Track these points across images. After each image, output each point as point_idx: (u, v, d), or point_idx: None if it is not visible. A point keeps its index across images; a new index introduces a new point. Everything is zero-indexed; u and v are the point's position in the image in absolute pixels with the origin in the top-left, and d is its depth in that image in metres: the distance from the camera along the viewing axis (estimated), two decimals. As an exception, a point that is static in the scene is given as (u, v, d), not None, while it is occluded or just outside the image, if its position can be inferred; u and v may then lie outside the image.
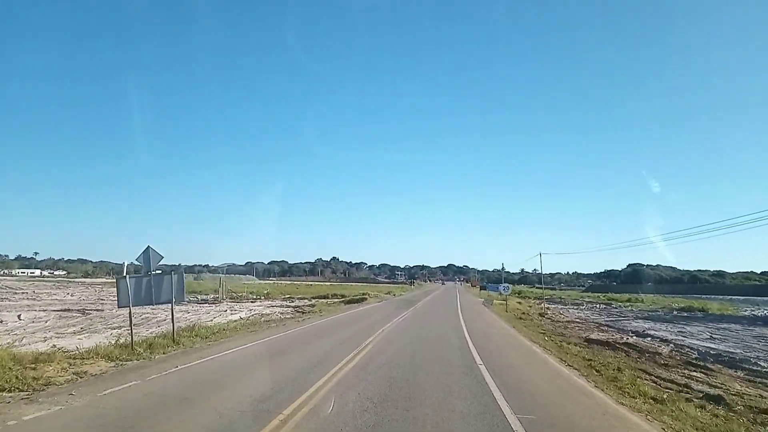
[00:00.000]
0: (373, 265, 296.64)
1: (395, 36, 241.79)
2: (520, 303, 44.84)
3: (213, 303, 43.44)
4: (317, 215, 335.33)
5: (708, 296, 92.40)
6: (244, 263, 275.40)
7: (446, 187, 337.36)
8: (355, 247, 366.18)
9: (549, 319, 32.74)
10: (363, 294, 47.00)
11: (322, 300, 46.27)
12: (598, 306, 53.01)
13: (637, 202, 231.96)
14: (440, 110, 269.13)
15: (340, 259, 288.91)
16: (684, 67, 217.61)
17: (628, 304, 55.85)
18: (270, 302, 45.01)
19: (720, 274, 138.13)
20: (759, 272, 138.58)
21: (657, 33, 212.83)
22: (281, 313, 30.20)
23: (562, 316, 36.85)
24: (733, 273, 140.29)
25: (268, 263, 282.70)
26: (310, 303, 41.83)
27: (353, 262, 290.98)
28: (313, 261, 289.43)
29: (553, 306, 48.38)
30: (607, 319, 35.82)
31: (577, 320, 33.28)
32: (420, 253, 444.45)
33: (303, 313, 30.42)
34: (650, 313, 41.80)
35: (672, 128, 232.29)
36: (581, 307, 51.09)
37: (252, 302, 45.35)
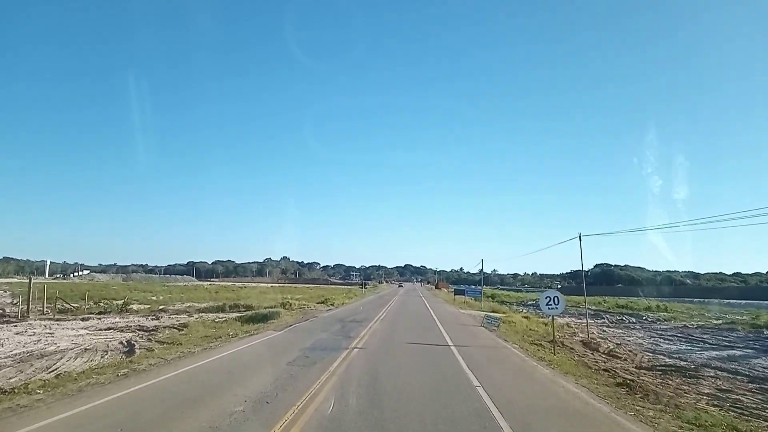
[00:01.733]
0: (327, 266, 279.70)
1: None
2: (527, 318, 28.44)
3: (19, 319, 25.23)
4: (268, 213, 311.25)
5: (706, 300, 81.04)
6: (185, 263, 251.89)
7: (403, 187, 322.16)
8: (308, 246, 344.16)
9: (618, 357, 16.33)
10: (278, 305, 28.77)
11: (214, 315, 27.74)
12: (624, 319, 37.41)
13: (625, 198, 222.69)
14: (404, 109, 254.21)
15: (291, 259, 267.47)
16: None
17: (666, 314, 40.62)
18: (117, 319, 26.03)
19: (694, 275, 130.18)
20: (730, 273, 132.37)
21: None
22: (76, 356, 12.42)
23: (620, 346, 20.62)
24: (704, 274, 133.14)
25: (212, 263, 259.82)
26: (183, 322, 23.44)
27: (305, 263, 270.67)
28: (261, 261, 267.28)
29: (565, 319, 32.71)
30: (705, 353, 19.76)
31: (668, 356, 17.16)
32: (376, 253, 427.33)
33: (126, 353, 12.56)
34: (732, 335, 26.46)
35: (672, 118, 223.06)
36: (601, 320, 35.65)
37: (84, 320, 26.11)
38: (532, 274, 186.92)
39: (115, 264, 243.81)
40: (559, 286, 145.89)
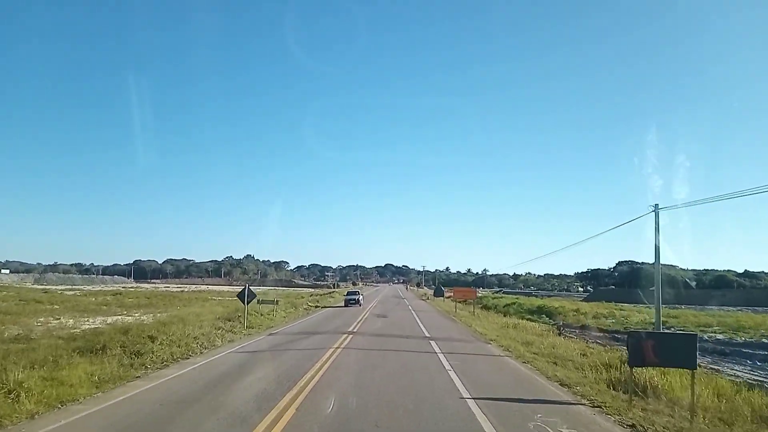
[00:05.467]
0: (301, 266, 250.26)
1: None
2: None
3: None
4: (235, 209, 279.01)
5: None
6: (132, 261, 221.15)
7: (384, 185, 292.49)
8: (280, 245, 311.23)
9: None
10: None
11: None
12: None
13: (625, 197, 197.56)
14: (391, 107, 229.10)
15: (255, 257, 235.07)
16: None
17: None
18: None
19: (750, 274, 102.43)
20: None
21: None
22: None
23: None
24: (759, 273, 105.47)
25: (163, 262, 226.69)
26: None
27: (271, 261, 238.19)
28: (220, 259, 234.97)
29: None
30: None
31: None
32: (355, 252, 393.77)
33: None
34: None
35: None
36: None
37: None
38: (541, 275, 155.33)
39: (56, 263, 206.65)
40: (581, 290, 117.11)
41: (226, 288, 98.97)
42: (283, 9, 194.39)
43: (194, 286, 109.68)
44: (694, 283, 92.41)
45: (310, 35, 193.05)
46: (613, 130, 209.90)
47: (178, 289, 70.59)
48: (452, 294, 46.28)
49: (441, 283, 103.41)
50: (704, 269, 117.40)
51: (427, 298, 63.47)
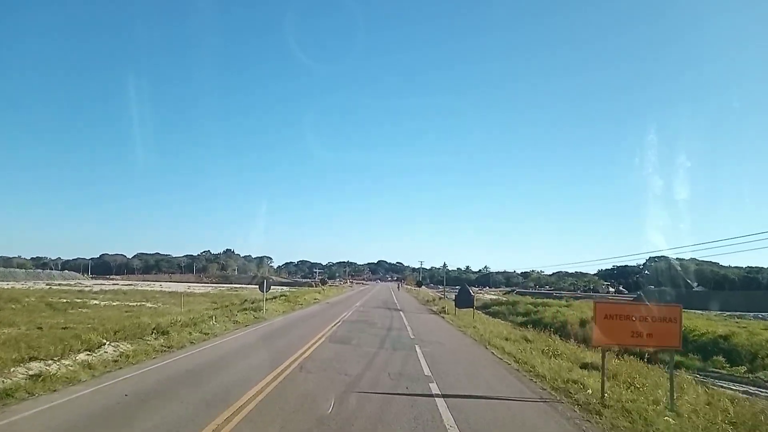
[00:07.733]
0: (290, 262, 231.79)
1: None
2: None
3: None
4: (219, 203, 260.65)
5: None
6: (98, 256, 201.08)
7: (378, 180, 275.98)
8: (268, 240, 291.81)
9: None
10: None
11: None
12: None
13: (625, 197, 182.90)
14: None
15: (235, 252, 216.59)
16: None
17: None
18: None
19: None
20: None
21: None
22: None
23: None
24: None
25: (132, 256, 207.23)
26: None
27: (252, 257, 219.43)
28: (196, 254, 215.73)
29: None
30: None
31: None
32: (347, 248, 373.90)
33: None
34: None
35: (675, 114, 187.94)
36: None
37: None
38: (556, 272, 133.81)
39: (19, 255, 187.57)
40: (611, 290, 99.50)
41: (184, 286, 79.36)
42: (283, 7, 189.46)
43: (149, 284, 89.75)
44: (695, 284, 77.85)
45: (309, 34, 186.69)
46: (613, 127, 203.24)
47: (97, 288, 51.33)
48: (595, 325, 8.31)
49: (433, 281, 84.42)
50: (749, 266, 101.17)
51: (443, 311, 31.24)
